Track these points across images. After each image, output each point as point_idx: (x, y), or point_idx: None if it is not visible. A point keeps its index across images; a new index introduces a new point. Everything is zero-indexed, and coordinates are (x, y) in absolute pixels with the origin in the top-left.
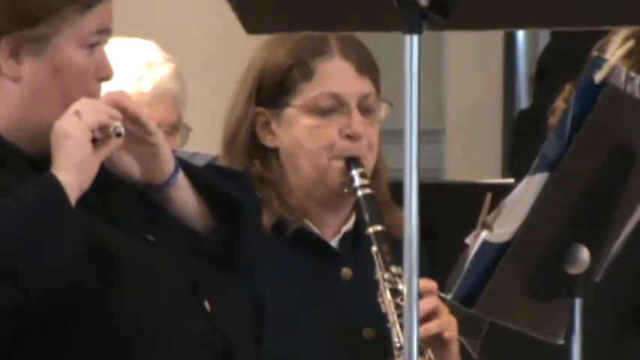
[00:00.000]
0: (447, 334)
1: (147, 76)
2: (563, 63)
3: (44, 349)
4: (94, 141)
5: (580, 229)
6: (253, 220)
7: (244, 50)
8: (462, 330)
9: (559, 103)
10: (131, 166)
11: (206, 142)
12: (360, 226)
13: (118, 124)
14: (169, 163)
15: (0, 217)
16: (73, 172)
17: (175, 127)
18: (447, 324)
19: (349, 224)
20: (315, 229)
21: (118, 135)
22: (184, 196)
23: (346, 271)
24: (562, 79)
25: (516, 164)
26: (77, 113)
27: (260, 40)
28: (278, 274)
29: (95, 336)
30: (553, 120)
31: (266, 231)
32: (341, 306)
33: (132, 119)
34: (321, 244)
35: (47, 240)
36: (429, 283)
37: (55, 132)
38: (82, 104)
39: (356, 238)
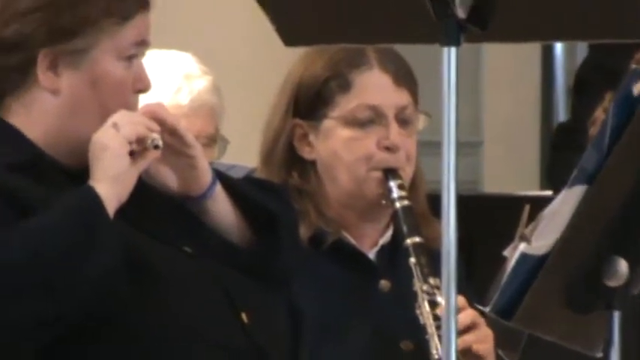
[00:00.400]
0: (484, 346)
1: (185, 88)
2: (601, 76)
3: (72, 357)
4: (132, 153)
5: (618, 241)
6: (291, 233)
7: (282, 62)
8: (500, 343)
9: (599, 114)
10: (169, 178)
11: (244, 154)
12: (397, 238)
13: (156, 136)
14: (207, 176)
15: (39, 228)
16: (111, 184)
17: (213, 139)
18: (485, 336)
19: (387, 236)
20: (353, 241)
21: (156, 147)
22: (222, 209)
23: (384, 283)
24: (600, 92)
25: (554, 176)
26: (115, 126)
27: (298, 52)
28: (316, 285)
29: (121, 345)
30: (593, 131)
31: (304, 243)
32: (379, 318)
33: (170, 131)
34: (359, 256)
35: (85, 252)
36: (460, 300)
37: (93, 144)
38: (120, 117)
39: (394, 250)
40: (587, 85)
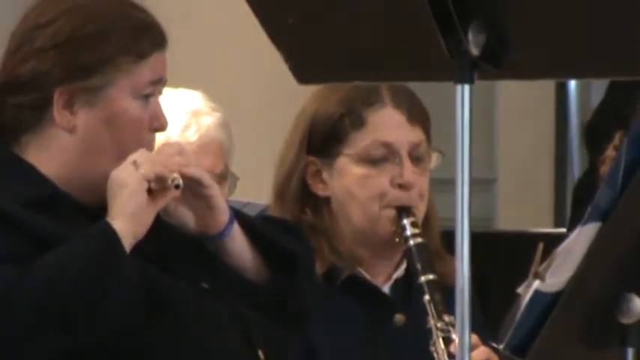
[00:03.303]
0: None
1: (193, 125)
2: (614, 124)
3: None
4: (150, 191)
5: (632, 278)
6: (308, 272)
7: (295, 99)
8: None
9: (609, 152)
10: (187, 216)
11: (257, 191)
12: (411, 273)
13: (177, 175)
14: (224, 215)
15: (57, 264)
16: (128, 221)
17: (223, 177)
18: None
19: (400, 270)
20: (367, 276)
21: (177, 187)
22: (239, 247)
23: (399, 317)
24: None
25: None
26: (134, 163)
27: (311, 89)
28: (331, 321)
29: None
30: (604, 169)
31: (318, 279)
32: (394, 352)
33: (186, 174)
34: (373, 291)
35: (102, 287)
36: (473, 337)
37: (111, 181)
38: (140, 155)
39: (408, 284)
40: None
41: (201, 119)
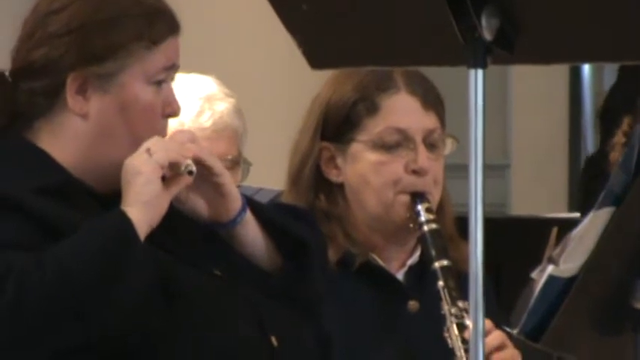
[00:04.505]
0: None
1: (207, 111)
2: (621, 102)
3: None
4: (164, 178)
5: None
6: (320, 259)
7: (309, 85)
8: None
9: (618, 138)
10: (198, 204)
11: (270, 177)
12: (425, 259)
13: (190, 162)
14: (236, 202)
15: (70, 253)
16: (142, 209)
17: (236, 162)
18: (512, 358)
19: (414, 257)
20: (381, 263)
21: (190, 173)
22: (251, 234)
23: (413, 304)
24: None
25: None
26: (148, 151)
27: (325, 74)
28: (344, 307)
29: None
30: (614, 155)
31: (332, 265)
32: (408, 339)
33: (197, 161)
34: (387, 277)
35: (117, 276)
36: (487, 323)
37: (125, 169)
38: (154, 142)
39: (422, 271)
40: (611, 114)
41: (215, 105)
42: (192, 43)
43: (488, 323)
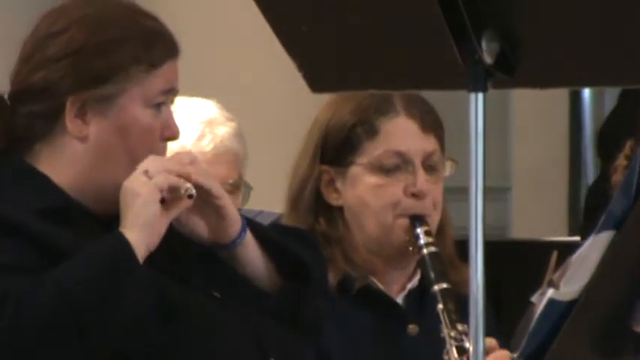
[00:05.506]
0: None
1: (207, 135)
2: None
3: None
4: (163, 201)
5: None
6: (321, 280)
7: (308, 108)
8: None
9: (620, 161)
10: (198, 226)
11: (271, 201)
12: (425, 283)
13: (190, 185)
14: (236, 224)
15: (69, 275)
16: (141, 231)
17: (237, 186)
18: None
19: (414, 281)
20: (381, 286)
21: (190, 197)
22: (251, 256)
23: (412, 328)
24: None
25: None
26: (146, 173)
27: (324, 98)
28: (344, 331)
29: None
30: (616, 178)
31: (332, 288)
32: None
33: (197, 184)
34: (387, 301)
35: (115, 298)
36: (491, 342)
37: (124, 191)
38: (152, 163)
39: (421, 295)
40: (609, 140)
41: (216, 129)
42: (193, 66)
43: (493, 342)
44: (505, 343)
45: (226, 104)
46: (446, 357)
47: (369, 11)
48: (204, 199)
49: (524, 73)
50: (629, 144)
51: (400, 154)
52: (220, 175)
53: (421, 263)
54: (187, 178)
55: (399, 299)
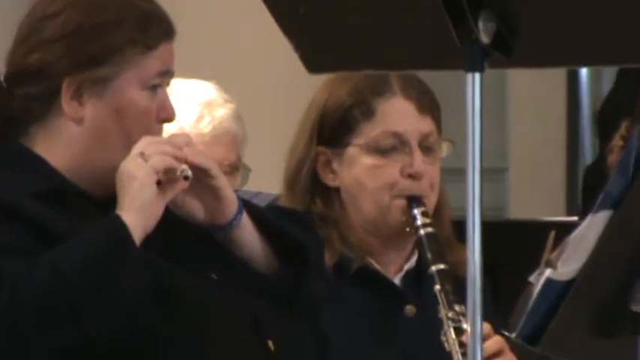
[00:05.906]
0: None
1: (206, 117)
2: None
3: None
4: (159, 183)
5: None
6: (318, 262)
7: (305, 89)
8: None
9: (616, 141)
10: (194, 208)
11: (268, 182)
12: (422, 263)
13: (185, 167)
14: (233, 205)
15: (65, 257)
16: (138, 213)
17: (235, 167)
18: None
19: (411, 262)
20: (378, 267)
21: (186, 178)
22: (248, 237)
23: (410, 309)
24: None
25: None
26: (142, 155)
27: (321, 79)
28: (341, 312)
29: None
30: (612, 158)
31: (328, 269)
32: (405, 343)
33: (193, 164)
34: (384, 282)
35: (112, 281)
36: (486, 327)
37: (120, 173)
38: (147, 145)
39: (419, 275)
40: (609, 118)
41: (215, 111)
42: (191, 48)
43: (487, 327)
44: (503, 323)
45: (224, 86)
46: (443, 338)
47: None
48: (200, 180)
49: (521, 52)
50: (624, 124)
51: (397, 135)
52: (219, 156)
53: (418, 244)
54: (183, 160)
55: (397, 280)
